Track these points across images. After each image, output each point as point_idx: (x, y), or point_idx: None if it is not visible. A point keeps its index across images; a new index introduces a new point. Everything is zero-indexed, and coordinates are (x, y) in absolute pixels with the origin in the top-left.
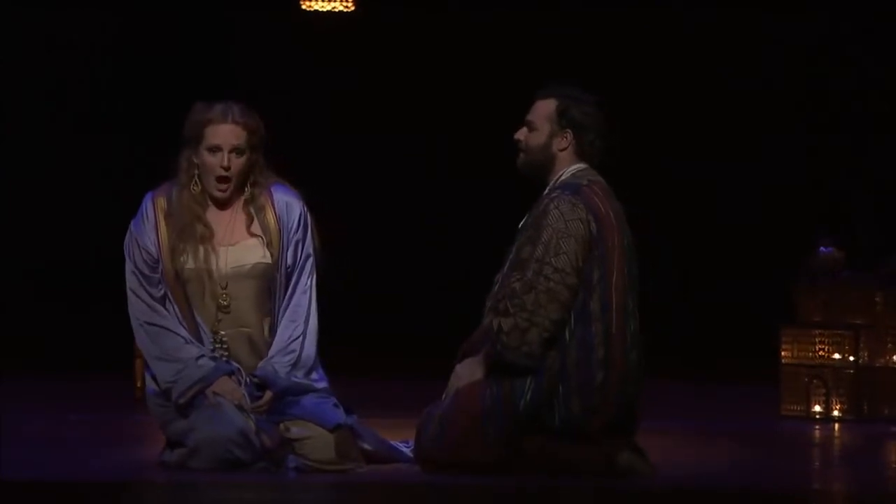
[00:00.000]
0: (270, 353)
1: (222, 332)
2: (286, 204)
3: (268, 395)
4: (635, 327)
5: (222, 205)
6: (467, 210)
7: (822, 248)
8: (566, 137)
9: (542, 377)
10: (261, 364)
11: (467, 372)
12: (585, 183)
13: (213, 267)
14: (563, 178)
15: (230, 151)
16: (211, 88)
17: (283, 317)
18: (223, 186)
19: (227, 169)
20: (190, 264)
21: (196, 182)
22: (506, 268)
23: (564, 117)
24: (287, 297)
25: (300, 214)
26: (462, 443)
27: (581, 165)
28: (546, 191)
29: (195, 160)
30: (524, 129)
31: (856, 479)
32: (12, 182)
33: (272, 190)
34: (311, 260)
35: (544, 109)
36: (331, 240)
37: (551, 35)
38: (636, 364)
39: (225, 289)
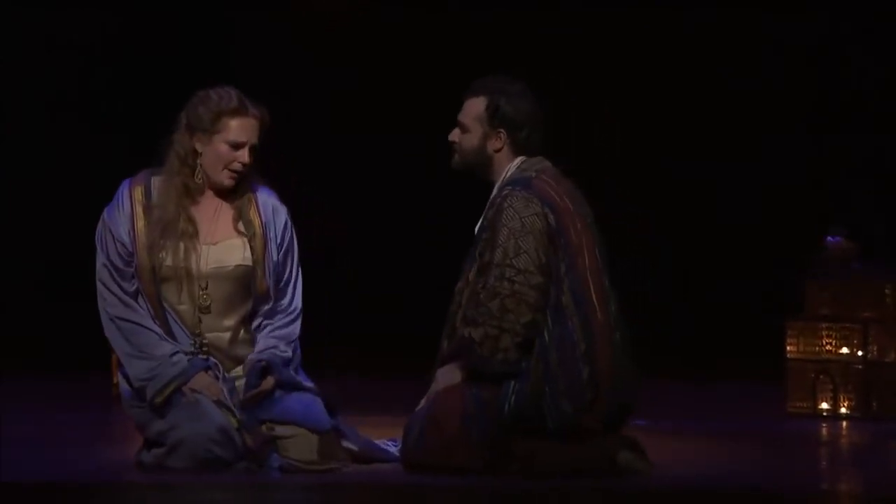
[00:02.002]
0: (264, 346)
1: (205, 334)
2: (273, 208)
3: (269, 380)
4: (616, 307)
5: (225, 194)
6: (467, 210)
7: (829, 238)
8: (500, 137)
9: (524, 382)
10: (258, 351)
11: (447, 377)
12: (534, 174)
13: (193, 266)
14: (510, 174)
15: (251, 147)
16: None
17: (276, 322)
18: (235, 176)
19: (246, 165)
20: (168, 262)
21: (199, 173)
22: (470, 275)
23: (496, 117)
24: (282, 302)
25: (286, 221)
26: (446, 446)
27: (523, 157)
28: (496, 190)
29: (199, 149)
30: (457, 130)
31: (864, 479)
32: (12, 182)
33: (256, 190)
34: (299, 267)
35: (474, 109)
36: (331, 240)
37: (551, 35)
38: (622, 347)
39: (205, 289)
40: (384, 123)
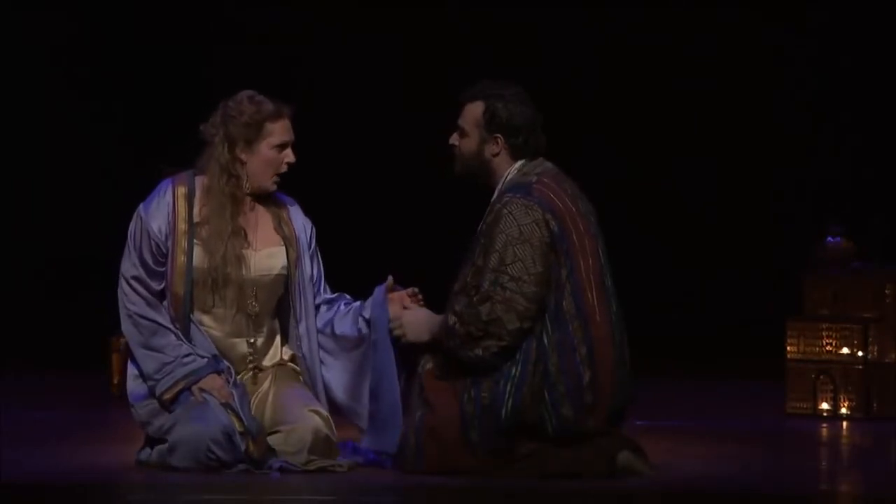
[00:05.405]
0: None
1: (258, 341)
2: (302, 221)
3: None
4: (617, 306)
5: (262, 202)
6: (468, 209)
7: (829, 238)
8: (497, 142)
9: (522, 386)
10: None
11: (413, 329)
12: (534, 179)
13: (244, 274)
14: (510, 178)
15: (293, 144)
16: (211, 86)
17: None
18: (279, 180)
19: (291, 164)
20: (227, 270)
21: (245, 182)
22: (468, 278)
23: (493, 122)
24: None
25: (313, 230)
26: (446, 455)
27: (523, 160)
28: (496, 195)
29: (245, 158)
30: (456, 134)
31: (865, 480)
32: (10, 180)
33: (286, 201)
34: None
35: (472, 114)
36: (330, 239)
37: (552, 34)
38: (621, 348)
39: (255, 296)
40: (384, 123)
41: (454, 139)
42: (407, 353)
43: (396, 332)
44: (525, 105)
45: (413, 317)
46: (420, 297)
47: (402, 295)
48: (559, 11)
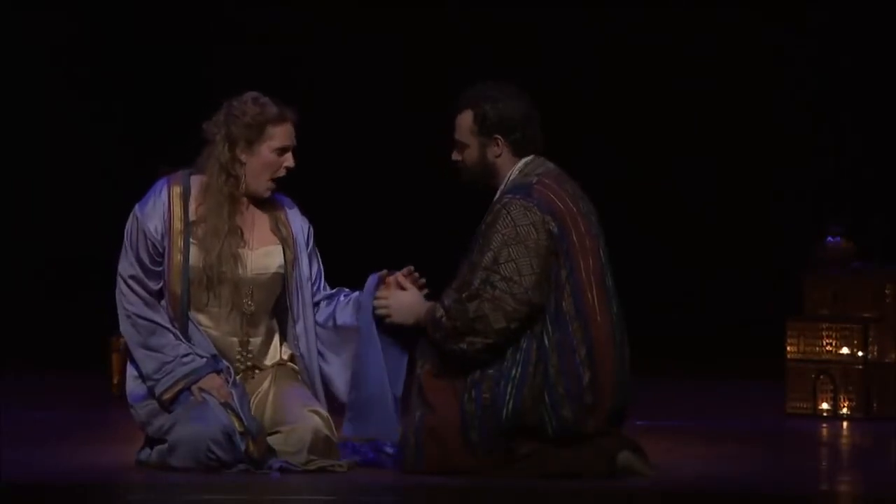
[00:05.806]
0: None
1: (252, 340)
2: (300, 221)
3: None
4: (618, 306)
5: (258, 203)
6: (468, 209)
7: (829, 238)
8: (497, 144)
9: (523, 388)
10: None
11: (399, 311)
12: (535, 180)
13: (240, 273)
14: (512, 178)
15: (293, 149)
16: (211, 86)
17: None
18: (275, 186)
19: (290, 169)
20: (222, 268)
21: (243, 182)
22: (465, 275)
23: (486, 125)
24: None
25: (310, 230)
26: (446, 456)
27: (527, 159)
28: (497, 195)
29: (244, 159)
30: (457, 151)
31: (865, 480)
32: (10, 179)
33: (283, 201)
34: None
35: (464, 123)
36: (330, 239)
37: (553, 34)
38: (621, 348)
39: (250, 295)
40: (384, 123)
41: (456, 155)
42: (408, 347)
43: (380, 312)
44: (512, 98)
45: (403, 299)
46: (417, 275)
47: (396, 278)
48: (559, 11)
